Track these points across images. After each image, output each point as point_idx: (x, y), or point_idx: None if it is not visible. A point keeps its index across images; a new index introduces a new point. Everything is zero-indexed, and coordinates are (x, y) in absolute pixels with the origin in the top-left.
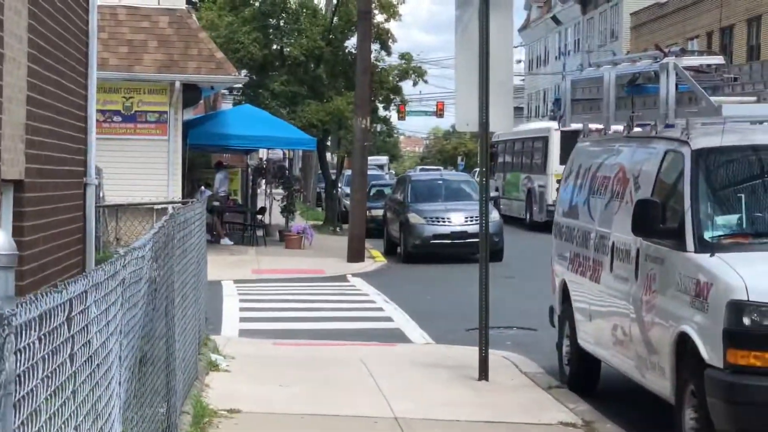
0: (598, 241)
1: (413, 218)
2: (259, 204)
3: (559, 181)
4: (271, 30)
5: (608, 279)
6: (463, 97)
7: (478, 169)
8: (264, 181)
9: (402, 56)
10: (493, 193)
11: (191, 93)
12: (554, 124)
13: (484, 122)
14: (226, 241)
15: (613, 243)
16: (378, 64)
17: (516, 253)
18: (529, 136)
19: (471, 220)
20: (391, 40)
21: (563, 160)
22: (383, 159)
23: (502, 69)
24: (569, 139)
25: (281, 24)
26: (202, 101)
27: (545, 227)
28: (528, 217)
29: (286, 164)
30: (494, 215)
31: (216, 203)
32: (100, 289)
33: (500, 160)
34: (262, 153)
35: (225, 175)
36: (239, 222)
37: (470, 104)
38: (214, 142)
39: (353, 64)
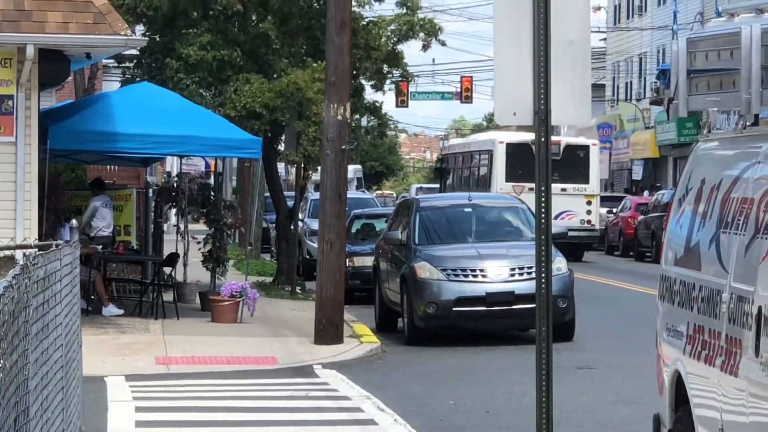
0: (734, 306)
1: (424, 270)
2: (167, 249)
3: None
4: None
5: (753, 369)
6: (507, 70)
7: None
8: (175, 210)
9: (402, 2)
10: (558, 227)
11: (53, 65)
12: (499, 135)
13: (541, 110)
14: (111, 309)
15: (761, 309)
16: (363, 14)
17: (591, 323)
18: (474, 149)
19: (520, 273)
20: None
21: (510, 177)
22: (352, 169)
23: (572, 21)
24: (517, 153)
25: None
26: (71, 78)
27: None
28: None
29: (211, 182)
30: (559, 263)
31: (96, 248)
32: None
33: (449, 178)
34: (171, 164)
35: (106, 202)
36: (133, 279)
37: (518, 81)
38: (90, 146)
39: (322, 15)
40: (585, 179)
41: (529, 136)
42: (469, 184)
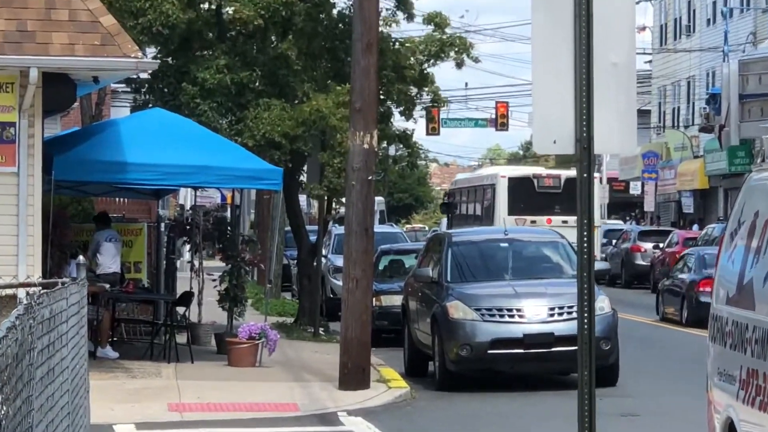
0: None
1: (457, 310)
2: (181, 287)
3: None
4: None
5: None
6: (546, 95)
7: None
8: (189, 246)
9: (430, 19)
10: (600, 264)
11: (58, 90)
12: (501, 170)
13: (584, 138)
14: (107, 352)
15: None
16: (391, 34)
17: (636, 365)
18: (478, 184)
19: (560, 313)
20: None
21: (513, 210)
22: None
23: (616, 42)
24: (519, 187)
25: None
26: (77, 104)
27: None
28: None
29: (228, 215)
30: (602, 302)
31: (104, 286)
32: None
33: (457, 212)
34: (185, 196)
35: (111, 236)
36: (144, 319)
37: (559, 107)
38: (98, 177)
39: (346, 36)
40: None
41: (529, 171)
42: (474, 218)
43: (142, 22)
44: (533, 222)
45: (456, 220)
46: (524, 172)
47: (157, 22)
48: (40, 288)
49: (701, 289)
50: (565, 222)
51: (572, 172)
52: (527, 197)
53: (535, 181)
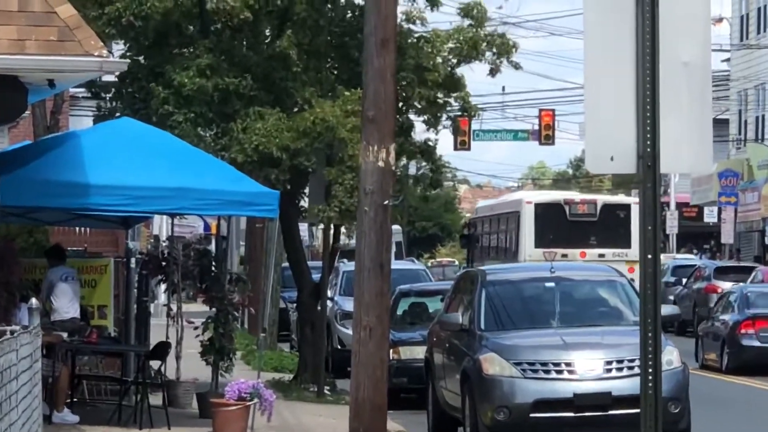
0: None
1: (493, 364)
2: (155, 337)
3: None
4: None
5: None
6: (602, 102)
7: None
8: (164, 286)
9: (467, 12)
10: (667, 308)
11: (6, 95)
12: (527, 195)
13: (647, 154)
14: (65, 416)
15: None
16: (412, 29)
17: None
18: (501, 212)
19: (619, 369)
20: None
21: (541, 242)
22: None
23: (688, 37)
24: (548, 214)
25: None
26: (29, 113)
27: None
28: None
29: (212, 248)
30: (670, 355)
31: (62, 335)
32: None
33: (478, 244)
34: (160, 225)
35: (67, 275)
36: (111, 376)
37: (617, 117)
38: (53, 202)
39: (357, 29)
40: (626, 243)
41: (560, 196)
42: (497, 252)
43: (108, 11)
44: (564, 256)
45: (477, 254)
46: (554, 198)
47: (128, 11)
48: None
49: (743, 331)
50: (602, 256)
51: (610, 198)
52: (557, 227)
53: (567, 207)
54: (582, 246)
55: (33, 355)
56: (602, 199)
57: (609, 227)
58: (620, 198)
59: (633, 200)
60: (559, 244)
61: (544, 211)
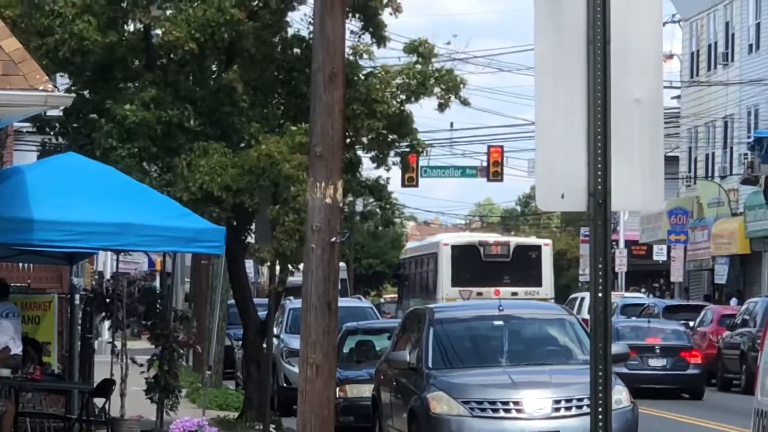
0: None
1: (440, 403)
2: (99, 374)
3: None
4: None
5: None
6: (553, 138)
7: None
8: (109, 323)
9: (413, 48)
10: (617, 347)
11: None
12: (445, 237)
13: (599, 192)
14: None
15: None
16: (359, 63)
17: None
18: (423, 253)
19: (568, 408)
20: (391, 5)
21: (457, 281)
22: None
23: (640, 72)
24: (464, 255)
25: None
26: None
27: None
28: None
29: (157, 285)
30: (619, 394)
31: (4, 371)
32: None
33: (407, 283)
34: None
35: (8, 311)
36: (55, 414)
37: (568, 153)
38: None
39: (304, 64)
40: (537, 282)
41: (475, 237)
42: (420, 290)
43: (48, 42)
44: (479, 294)
45: (406, 292)
46: (469, 239)
47: (66, 45)
48: None
49: None
50: (515, 294)
51: (522, 239)
52: (473, 267)
53: (482, 249)
54: (496, 284)
55: None
56: (515, 240)
57: (522, 267)
58: (532, 240)
59: (544, 242)
60: (474, 282)
61: (460, 252)
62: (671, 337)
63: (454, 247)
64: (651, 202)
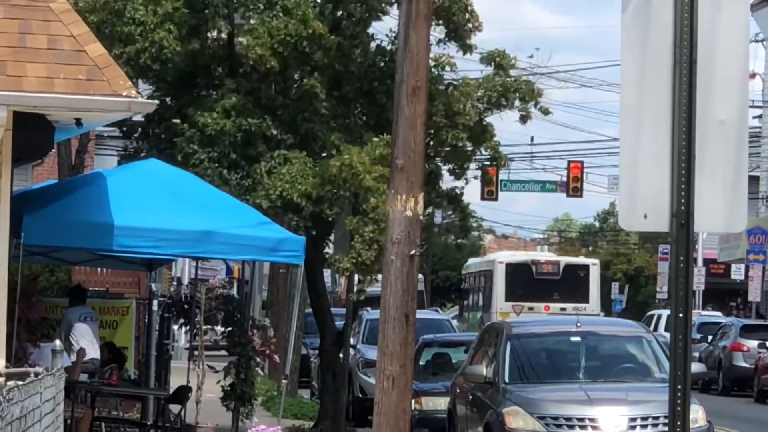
0: None
1: (516, 418)
2: (175, 381)
3: None
4: None
5: None
6: (636, 158)
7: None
8: (186, 329)
9: (491, 59)
10: (695, 366)
11: (33, 133)
12: (500, 255)
13: (681, 212)
14: None
15: None
16: (443, 75)
17: None
18: (480, 270)
19: (644, 426)
20: (472, 23)
21: (510, 296)
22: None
23: (725, 94)
24: (517, 272)
25: None
26: (54, 152)
27: None
28: None
29: (235, 292)
30: (696, 413)
31: (83, 375)
32: None
33: (467, 299)
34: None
35: (86, 315)
36: (130, 419)
37: (652, 173)
38: (76, 243)
39: (387, 76)
40: (585, 298)
41: (528, 256)
42: (477, 304)
43: (129, 50)
44: (530, 309)
45: (465, 307)
46: (522, 258)
47: (146, 53)
48: (4, 379)
49: None
50: (563, 309)
51: (571, 259)
52: (525, 284)
53: (534, 267)
54: (546, 300)
55: (56, 397)
56: (565, 260)
57: (570, 285)
58: (581, 259)
59: (592, 261)
60: (526, 298)
61: (513, 270)
62: None
63: (508, 265)
64: (734, 224)
